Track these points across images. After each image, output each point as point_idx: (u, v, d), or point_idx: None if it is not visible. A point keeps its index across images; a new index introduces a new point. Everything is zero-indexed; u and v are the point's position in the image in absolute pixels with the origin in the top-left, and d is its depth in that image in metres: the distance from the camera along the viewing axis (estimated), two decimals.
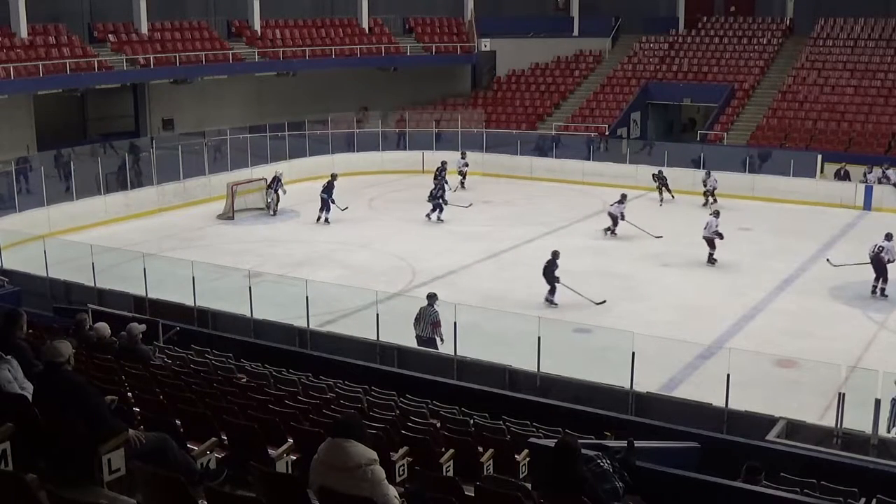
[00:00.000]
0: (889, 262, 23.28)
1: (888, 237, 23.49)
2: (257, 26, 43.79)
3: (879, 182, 34.16)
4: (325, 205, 30.93)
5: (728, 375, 15.03)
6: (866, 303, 23.06)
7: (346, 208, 31.22)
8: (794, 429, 13.79)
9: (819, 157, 36.47)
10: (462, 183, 36.43)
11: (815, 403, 15.61)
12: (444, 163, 34.11)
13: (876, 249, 23.43)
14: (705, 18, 49.83)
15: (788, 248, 27.86)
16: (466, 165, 37.19)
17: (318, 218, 30.94)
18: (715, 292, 23.79)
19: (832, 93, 41.90)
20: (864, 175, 34.60)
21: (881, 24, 45.57)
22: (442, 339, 17.92)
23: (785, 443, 13.12)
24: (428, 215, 31.03)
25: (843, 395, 13.99)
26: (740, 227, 29.76)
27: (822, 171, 36.31)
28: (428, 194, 31.33)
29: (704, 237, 26.16)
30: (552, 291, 22.17)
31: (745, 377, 15.76)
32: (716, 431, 13.70)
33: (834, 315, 22.30)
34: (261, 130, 38.63)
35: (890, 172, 34.62)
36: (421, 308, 18.51)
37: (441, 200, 31.04)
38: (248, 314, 19.73)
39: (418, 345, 18.29)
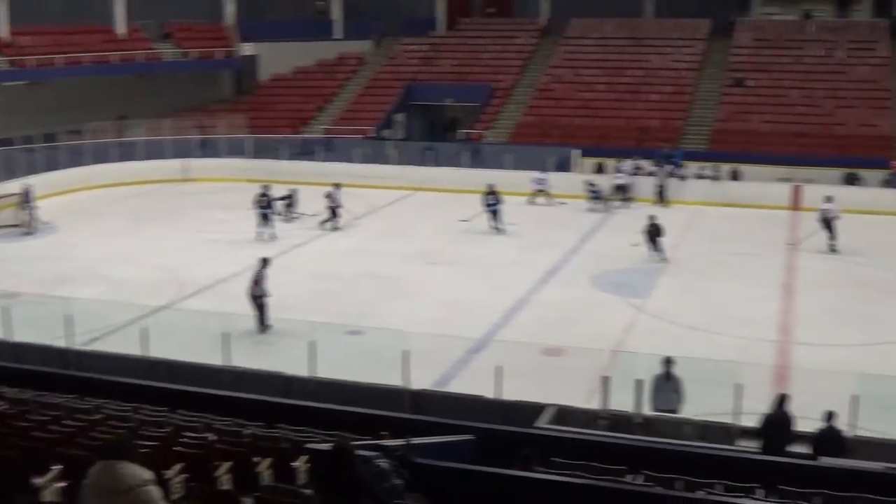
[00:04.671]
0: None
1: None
2: (5, 33, 41.51)
3: (635, 174, 35.84)
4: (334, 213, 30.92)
5: (499, 367, 15.40)
6: (625, 289, 24.19)
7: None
8: (564, 414, 14.25)
9: (576, 152, 37.98)
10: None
11: (582, 388, 16.18)
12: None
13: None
14: (465, 19, 50.94)
15: (551, 241, 28.84)
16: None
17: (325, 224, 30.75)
18: (482, 287, 24.33)
19: (586, 90, 43.72)
20: (617, 168, 36.26)
21: (630, 23, 47.96)
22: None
23: (555, 428, 13.53)
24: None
25: (608, 378, 14.57)
26: (508, 222, 30.58)
27: (579, 166, 37.85)
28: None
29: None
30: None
31: (515, 368, 16.20)
32: (490, 423, 13.99)
33: (596, 302, 23.26)
34: (10, 143, 36.60)
35: (643, 163, 36.50)
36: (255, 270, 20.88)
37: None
38: (2, 337, 18.63)
39: (254, 304, 20.48)
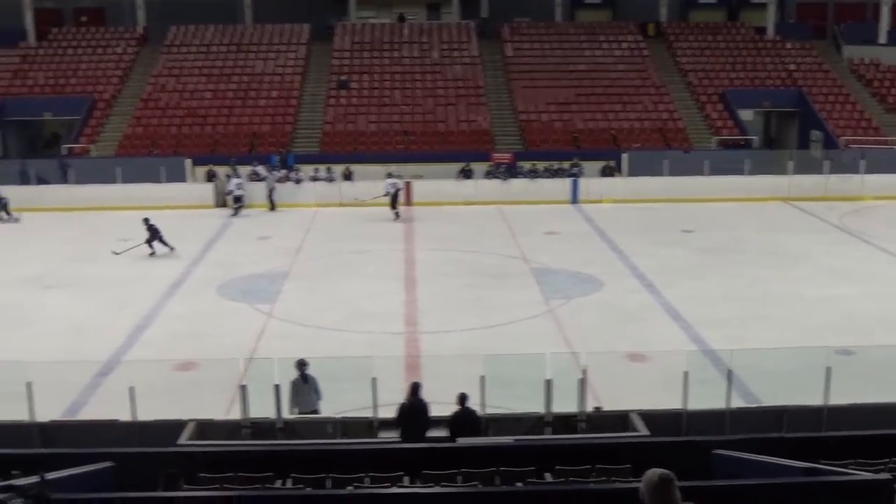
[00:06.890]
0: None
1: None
2: None
3: (244, 180, 35.72)
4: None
5: (131, 388, 14.88)
6: (252, 296, 24.16)
7: None
8: (205, 428, 14.02)
9: (188, 161, 37.38)
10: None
11: (221, 399, 16.03)
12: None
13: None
14: (56, 30, 48.57)
15: (170, 254, 28.18)
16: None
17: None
18: (104, 307, 23.37)
19: (192, 98, 43.10)
20: (220, 175, 36.08)
21: (230, 29, 47.86)
22: None
23: (197, 443, 13.30)
24: None
25: (245, 386, 14.51)
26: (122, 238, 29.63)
27: (193, 175, 37.29)
28: None
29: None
30: None
31: (148, 387, 15.72)
32: (128, 446, 13.52)
33: (224, 312, 23.04)
34: None
35: (259, 168, 36.62)
36: None
37: None
38: None
39: None
